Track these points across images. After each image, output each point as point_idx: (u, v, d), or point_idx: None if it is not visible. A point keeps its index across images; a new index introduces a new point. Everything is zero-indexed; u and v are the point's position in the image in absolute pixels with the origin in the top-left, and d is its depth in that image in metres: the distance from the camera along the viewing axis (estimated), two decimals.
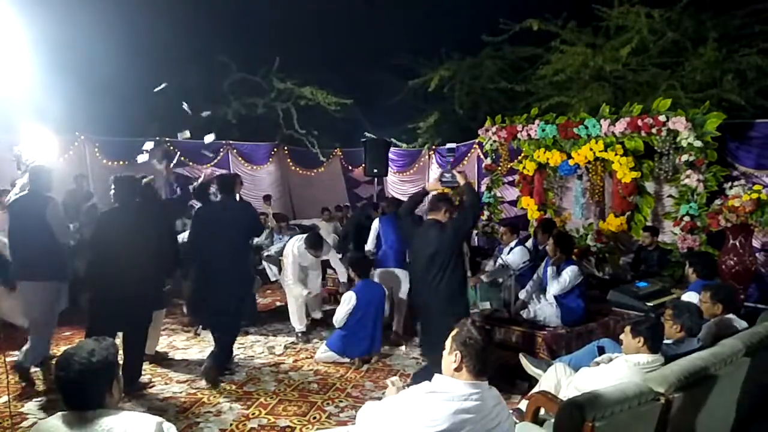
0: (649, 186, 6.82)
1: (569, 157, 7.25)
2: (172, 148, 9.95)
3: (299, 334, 5.55)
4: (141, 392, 4.16)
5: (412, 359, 5.00)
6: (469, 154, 10.01)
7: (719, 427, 2.78)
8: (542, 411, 2.73)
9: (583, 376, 2.87)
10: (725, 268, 5.12)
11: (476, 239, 8.86)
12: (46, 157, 6.05)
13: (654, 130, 6.32)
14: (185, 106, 6.24)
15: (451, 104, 10.96)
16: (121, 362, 2.09)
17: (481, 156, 9.25)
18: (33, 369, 4.19)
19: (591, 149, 6.89)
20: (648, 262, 6.22)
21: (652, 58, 8.16)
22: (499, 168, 8.52)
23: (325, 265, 6.27)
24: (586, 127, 6.94)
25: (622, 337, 2.85)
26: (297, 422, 3.70)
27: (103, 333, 2.33)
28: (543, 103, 8.73)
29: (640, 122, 6.40)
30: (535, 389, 3.29)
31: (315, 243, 5.44)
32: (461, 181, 4.09)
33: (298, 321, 5.58)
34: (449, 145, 4.72)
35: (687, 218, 6.10)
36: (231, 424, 3.66)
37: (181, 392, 4.20)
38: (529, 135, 7.73)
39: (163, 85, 6.20)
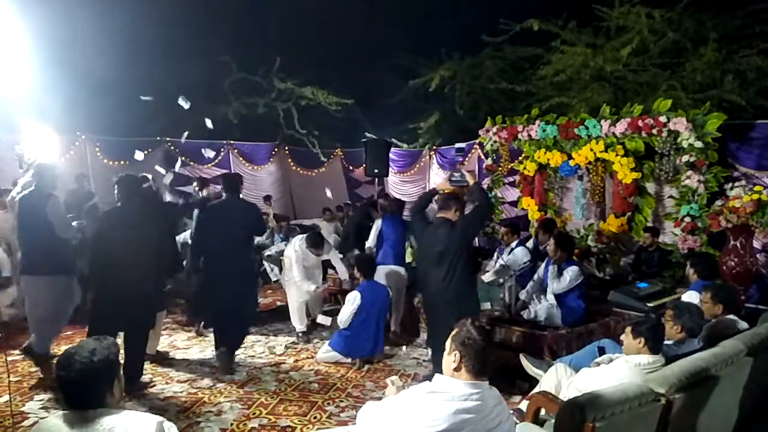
0: (650, 187, 6.81)
1: (570, 157, 7.25)
2: (172, 147, 9.96)
3: (300, 334, 5.55)
4: (142, 392, 4.17)
5: (412, 359, 5.01)
6: (469, 155, 10.02)
7: (720, 427, 2.78)
8: (543, 411, 2.74)
9: (583, 377, 2.87)
10: (726, 268, 5.11)
11: (477, 240, 8.85)
12: (48, 156, 6.05)
13: (654, 131, 6.31)
14: (181, 100, 6.18)
15: (452, 104, 10.98)
16: (122, 361, 2.09)
17: (482, 156, 9.25)
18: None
19: (591, 150, 6.89)
20: (648, 262, 6.21)
21: (652, 58, 8.16)
22: (500, 168, 8.53)
23: (326, 265, 6.28)
24: (587, 128, 6.93)
25: (622, 337, 2.85)
26: (297, 422, 3.70)
27: (105, 332, 2.34)
28: (543, 103, 8.74)
29: (640, 123, 6.39)
30: (536, 389, 3.30)
31: (316, 242, 5.47)
32: (470, 181, 4.17)
33: (298, 321, 5.59)
34: (458, 145, 4.75)
35: (687, 219, 6.09)
36: (231, 424, 3.66)
37: (181, 392, 4.20)
38: (529, 135, 7.72)
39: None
